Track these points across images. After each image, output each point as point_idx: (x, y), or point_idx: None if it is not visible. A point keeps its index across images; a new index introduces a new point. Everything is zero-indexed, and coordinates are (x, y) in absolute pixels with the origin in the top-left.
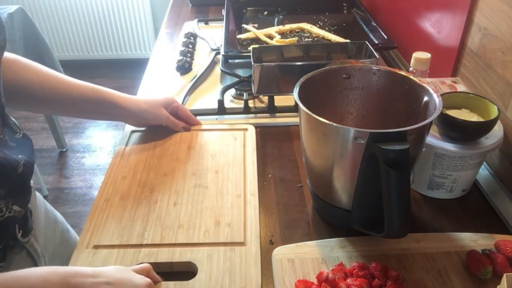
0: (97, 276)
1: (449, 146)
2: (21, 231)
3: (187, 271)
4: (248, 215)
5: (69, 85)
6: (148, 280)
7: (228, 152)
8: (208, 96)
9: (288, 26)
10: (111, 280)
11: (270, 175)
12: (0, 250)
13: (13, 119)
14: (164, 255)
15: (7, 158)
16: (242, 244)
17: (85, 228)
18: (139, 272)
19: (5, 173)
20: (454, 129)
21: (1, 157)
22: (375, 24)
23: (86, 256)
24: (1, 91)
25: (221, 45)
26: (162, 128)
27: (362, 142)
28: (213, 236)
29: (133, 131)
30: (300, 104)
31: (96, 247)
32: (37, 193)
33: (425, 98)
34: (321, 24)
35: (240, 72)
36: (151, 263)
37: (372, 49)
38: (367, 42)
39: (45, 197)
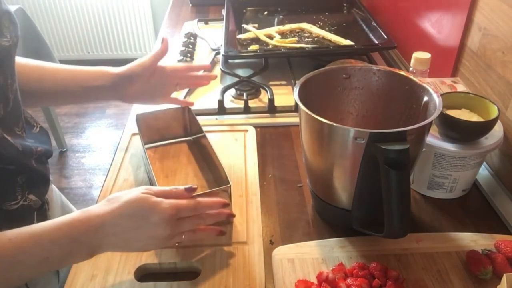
0: (106, 226)
1: (449, 146)
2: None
3: (191, 271)
4: (250, 214)
5: (68, 74)
6: (172, 203)
7: (229, 153)
8: (208, 96)
9: (288, 26)
10: (123, 226)
11: (270, 175)
12: None
13: (29, 112)
14: (168, 256)
15: (25, 151)
16: (245, 243)
17: None
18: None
19: (24, 166)
20: (454, 129)
21: (19, 151)
22: (375, 24)
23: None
24: (18, 88)
25: (221, 45)
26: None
27: (362, 142)
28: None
29: (134, 134)
30: (300, 104)
31: None
32: (53, 186)
33: (425, 98)
34: (321, 24)
35: (240, 72)
36: (154, 264)
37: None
38: None
39: None
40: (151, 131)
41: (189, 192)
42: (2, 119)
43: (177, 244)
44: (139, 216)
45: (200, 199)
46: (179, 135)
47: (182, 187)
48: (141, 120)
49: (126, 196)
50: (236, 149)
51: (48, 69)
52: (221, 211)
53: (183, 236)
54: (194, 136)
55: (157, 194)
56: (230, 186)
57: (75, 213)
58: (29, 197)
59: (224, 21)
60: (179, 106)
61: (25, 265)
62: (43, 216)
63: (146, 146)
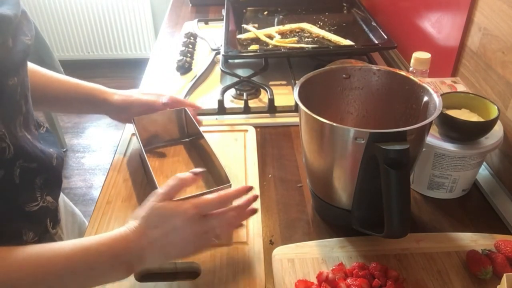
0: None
1: (449, 146)
2: (51, 223)
3: (191, 271)
4: None
5: (65, 85)
6: (193, 202)
7: (228, 153)
8: (208, 96)
9: (288, 26)
10: (158, 236)
11: (270, 175)
12: (36, 243)
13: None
14: None
15: (44, 151)
16: (245, 243)
17: (88, 231)
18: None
19: (43, 165)
20: (454, 129)
21: (39, 150)
22: (375, 24)
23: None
24: (29, 87)
25: (221, 45)
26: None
27: (362, 142)
28: None
29: (134, 134)
30: (300, 104)
31: None
32: None
33: (425, 98)
34: (321, 24)
35: (240, 72)
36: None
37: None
38: None
39: None
40: (149, 134)
41: (197, 175)
42: (24, 116)
43: (216, 241)
44: (164, 222)
45: (223, 191)
46: (176, 136)
47: (188, 173)
48: (138, 123)
49: (143, 210)
50: (236, 149)
51: (55, 79)
52: (248, 199)
53: (217, 232)
54: (192, 137)
55: (171, 196)
56: (230, 185)
57: (113, 232)
58: (47, 199)
59: (224, 21)
60: (176, 108)
61: (75, 273)
62: (55, 217)
63: (145, 148)
